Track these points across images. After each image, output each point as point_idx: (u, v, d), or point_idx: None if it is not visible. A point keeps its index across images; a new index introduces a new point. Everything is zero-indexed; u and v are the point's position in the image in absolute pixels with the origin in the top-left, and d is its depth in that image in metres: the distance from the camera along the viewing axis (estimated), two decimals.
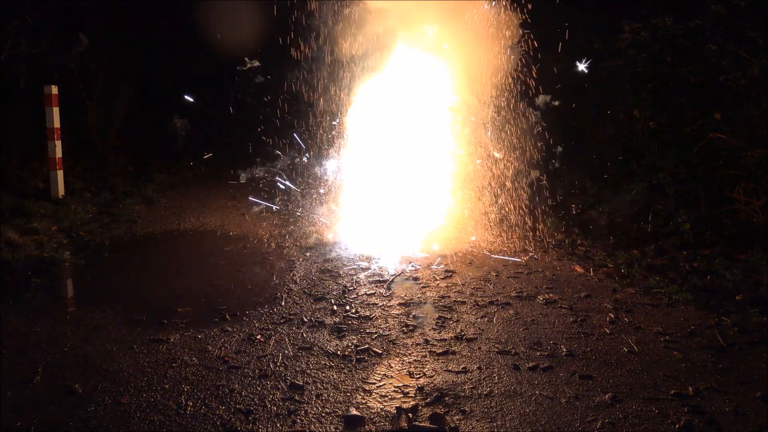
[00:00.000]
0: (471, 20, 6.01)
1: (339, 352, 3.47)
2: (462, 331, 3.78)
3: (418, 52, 6.11)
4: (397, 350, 3.53)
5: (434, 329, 3.82)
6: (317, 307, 4.20)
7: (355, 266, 5.10)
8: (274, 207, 6.95)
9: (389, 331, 3.79)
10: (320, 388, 3.07)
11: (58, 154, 7.27)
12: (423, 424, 2.76)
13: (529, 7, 6.07)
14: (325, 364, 3.34)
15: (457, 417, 2.82)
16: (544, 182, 6.58)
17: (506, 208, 6.28)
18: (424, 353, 3.48)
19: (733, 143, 5.60)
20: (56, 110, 7.28)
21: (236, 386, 3.08)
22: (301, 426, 2.74)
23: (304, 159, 6.98)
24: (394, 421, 2.78)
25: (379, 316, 4.04)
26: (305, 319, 3.95)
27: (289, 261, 5.29)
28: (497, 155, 6.10)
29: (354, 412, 2.83)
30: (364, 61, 6.16)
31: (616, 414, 2.83)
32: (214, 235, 6.19)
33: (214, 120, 9.02)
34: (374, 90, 6.18)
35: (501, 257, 5.38)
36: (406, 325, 3.86)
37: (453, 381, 3.15)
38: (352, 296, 4.40)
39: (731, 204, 5.52)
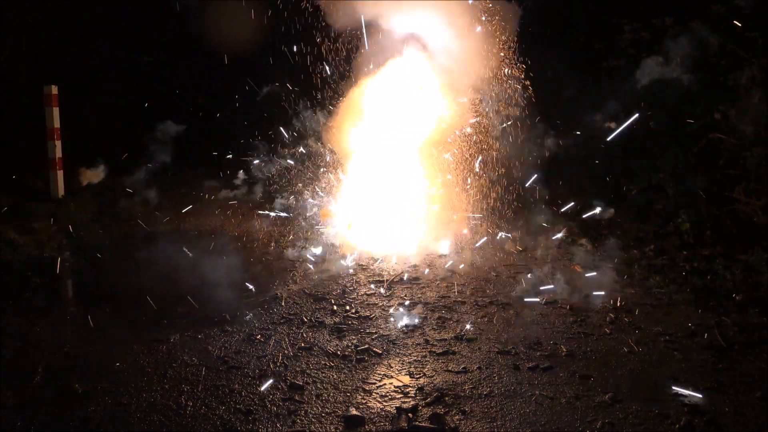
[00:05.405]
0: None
1: (339, 352, 3.47)
2: (462, 331, 3.78)
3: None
4: (397, 350, 3.53)
5: (434, 329, 3.82)
6: (317, 307, 4.20)
7: (355, 266, 5.10)
8: (274, 208, 6.94)
9: (389, 331, 3.79)
10: (320, 388, 3.07)
11: (58, 154, 7.26)
12: (423, 424, 2.76)
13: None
14: (325, 364, 3.34)
15: (457, 417, 2.82)
16: (545, 182, 6.57)
17: (507, 209, 6.28)
18: (424, 353, 3.48)
19: (733, 143, 5.60)
20: (56, 110, 7.27)
21: (236, 386, 3.08)
22: (301, 426, 2.74)
23: (305, 163, 6.97)
24: (394, 422, 2.78)
25: (379, 316, 4.04)
26: (305, 319, 3.95)
27: (288, 261, 5.29)
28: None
29: (354, 412, 2.84)
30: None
31: (616, 414, 2.83)
32: (214, 235, 6.19)
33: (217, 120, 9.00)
34: (370, 100, 6.15)
35: (501, 257, 5.38)
36: (406, 325, 3.86)
37: (453, 381, 3.15)
38: (352, 296, 4.41)
39: (731, 204, 5.52)
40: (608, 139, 6.24)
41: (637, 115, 6.00)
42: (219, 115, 8.22)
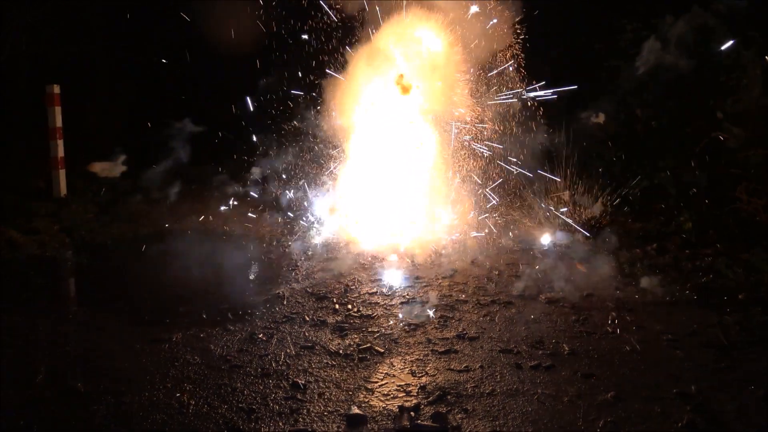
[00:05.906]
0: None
1: (341, 351, 3.47)
2: (464, 329, 3.78)
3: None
4: (400, 349, 3.53)
5: (436, 328, 3.82)
6: (319, 305, 4.20)
7: (356, 265, 5.09)
8: (275, 208, 6.94)
9: (391, 329, 3.79)
10: (322, 387, 3.07)
11: (60, 153, 7.27)
12: (425, 423, 2.76)
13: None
14: (328, 362, 3.34)
15: (459, 416, 2.82)
16: (547, 182, 6.57)
17: (507, 209, 6.28)
18: (426, 352, 3.48)
19: (734, 143, 5.60)
20: (58, 109, 7.27)
21: (238, 385, 3.08)
22: (303, 425, 2.74)
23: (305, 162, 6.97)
24: (396, 420, 2.78)
25: (381, 314, 4.04)
26: (307, 318, 3.95)
27: (291, 260, 5.29)
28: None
29: (356, 410, 2.84)
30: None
31: (618, 413, 2.83)
32: (215, 234, 6.19)
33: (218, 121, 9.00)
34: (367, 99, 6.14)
35: (503, 256, 5.38)
36: (408, 324, 3.86)
37: (455, 380, 3.15)
38: (354, 295, 4.40)
39: (733, 203, 5.52)
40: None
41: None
42: (219, 121, 8.23)
